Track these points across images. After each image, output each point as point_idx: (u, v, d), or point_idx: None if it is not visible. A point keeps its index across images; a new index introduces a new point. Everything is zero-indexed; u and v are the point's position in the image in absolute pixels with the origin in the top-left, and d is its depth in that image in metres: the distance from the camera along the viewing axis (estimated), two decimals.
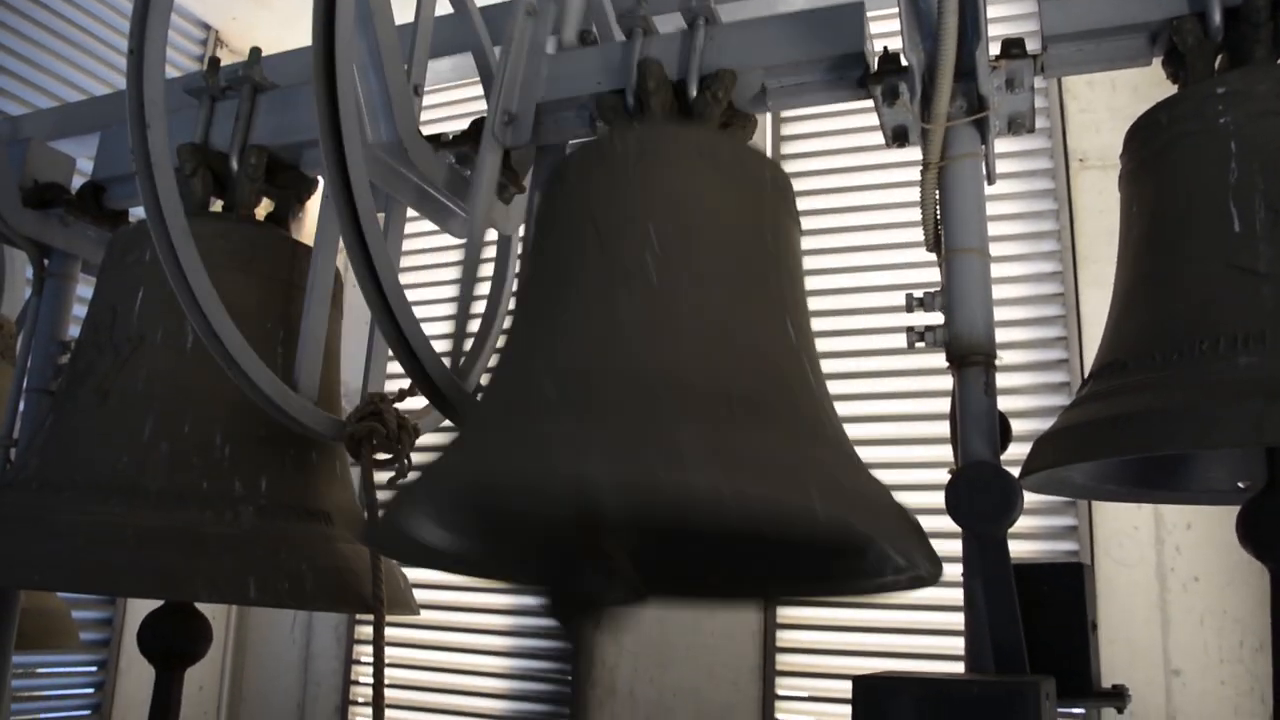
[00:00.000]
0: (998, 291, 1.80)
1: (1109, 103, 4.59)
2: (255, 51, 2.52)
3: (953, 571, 1.61)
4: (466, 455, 1.50)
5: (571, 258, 1.67)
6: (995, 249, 1.80)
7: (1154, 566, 4.09)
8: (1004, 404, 1.73)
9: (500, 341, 2.63)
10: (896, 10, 1.79)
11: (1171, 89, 1.88)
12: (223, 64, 2.56)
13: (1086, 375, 1.79)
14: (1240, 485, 1.95)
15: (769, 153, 4.90)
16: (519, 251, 2.58)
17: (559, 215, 1.77)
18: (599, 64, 2.10)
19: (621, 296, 1.56)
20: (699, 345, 1.52)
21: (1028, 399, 4.45)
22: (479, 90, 2.54)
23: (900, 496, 1.51)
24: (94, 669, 5.02)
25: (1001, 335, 1.76)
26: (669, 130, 1.89)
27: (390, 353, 2.01)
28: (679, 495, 1.33)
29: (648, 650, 4.85)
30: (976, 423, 1.68)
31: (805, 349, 1.67)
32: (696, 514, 1.41)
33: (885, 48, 1.93)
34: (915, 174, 1.86)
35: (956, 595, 1.64)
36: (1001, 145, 1.97)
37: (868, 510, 1.45)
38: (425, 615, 2.33)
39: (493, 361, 2.36)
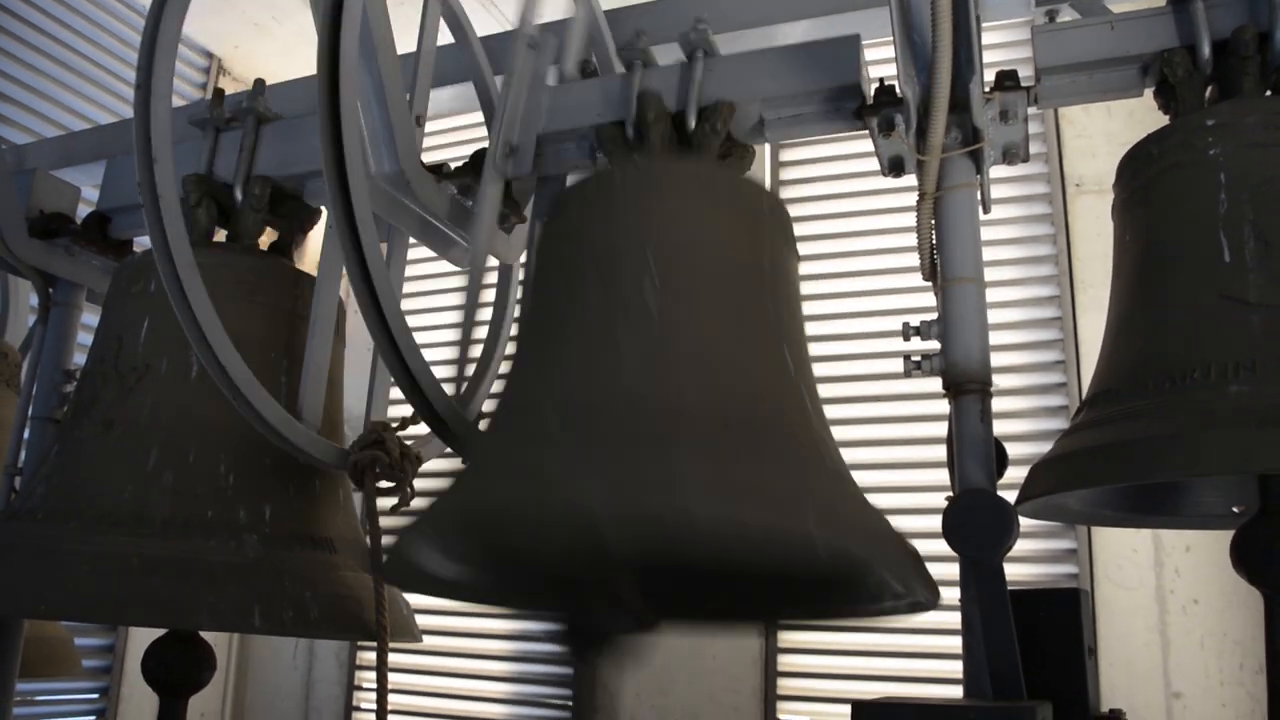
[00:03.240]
0: (996, 316, 1.83)
1: (1105, 128, 4.64)
2: (259, 83, 2.55)
3: (952, 595, 1.63)
4: (470, 489, 1.53)
5: (572, 290, 1.70)
6: (993, 274, 1.83)
7: (1153, 589, 4.10)
8: (1002, 428, 1.75)
9: (502, 369, 2.65)
10: (891, 40, 1.82)
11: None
12: (225, 92, 2.59)
13: (1081, 402, 1.81)
14: (1235, 510, 1.96)
15: (767, 182, 4.95)
16: (520, 280, 2.60)
17: (560, 247, 1.80)
18: (599, 96, 2.13)
19: (622, 328, 1.59)
20: (699, 376, 1.54)
21: (1026, 423, 4.47)
22: (479, 118, 2.57)
23: (898, 520, 1.53)
24: (95, 696, 5.01)
25: (1000, 359, 1.79)
26: (667, 163, 1.92)
27: (392, 380, 2.03)
28: (679, 526, 1.36)
29: (649, 675, 4.85)
30: (973, 450, 1.70)
31: (803, 378, 1.69)
32: (697, 545, 1.43)
33: (881, 79, 1.96)
34: (912, 200, 1.89)
35: (956, 619, 1.66)
36: (998, 171, 1.99)
37: (866, 539, 1.47)
38: (427, 641, 2.34)
39: (497, 388, 2.38)
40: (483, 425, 2.10)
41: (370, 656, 5.53)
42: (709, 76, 2.04)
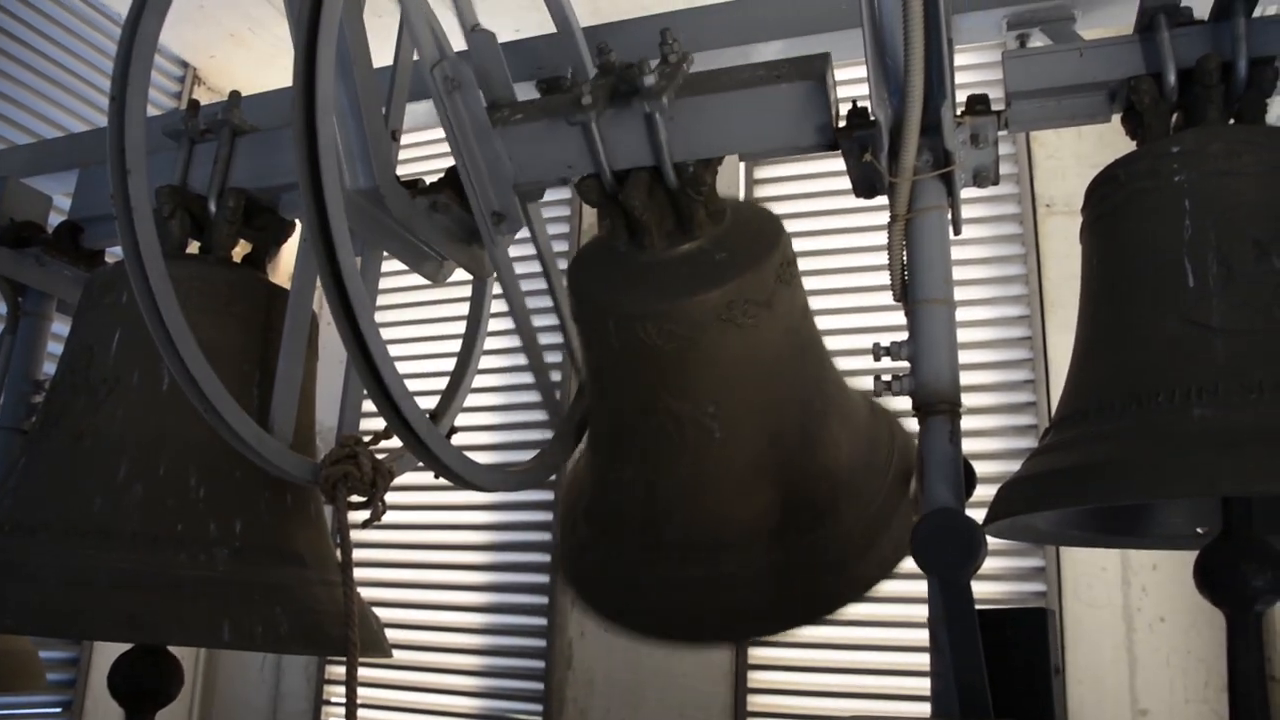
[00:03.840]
0: (966, 335, 1.85)
1: (1075, 150, 4.70)
2: (235, 95, 2.54)
3: (919, 612, 1.65)
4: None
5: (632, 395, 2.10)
6: (964, 293, 1.85)
7: (1121, 608, 4.14)
8: (972, 446, 1.77)
9: (473, 381, 2.65)
10: (864, 61, 1.84)
11: None
12: (201, 103, 2.58)
13: (1049, 424, 1.83)
14: (1199, 531, 1.99)
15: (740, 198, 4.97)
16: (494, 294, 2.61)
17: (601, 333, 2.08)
18: (562, 148, 2.07)
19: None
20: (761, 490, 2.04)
21: (996, 441, 4.51)
22: None
23: None
24: (59, 710, 4.95)
25: (970, 378, 1.81)
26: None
27: (365, 394, 2.02)
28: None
29: (619, 691, 4.85)
30: (941, 470, 1.71)
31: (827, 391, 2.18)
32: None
33: (854, 102, 1.97)
34: (883, 219, 1.91)
35: (923, 636, 1.68)
36: (969, 191, 2.01)
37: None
38: (397, 655, 2.33)
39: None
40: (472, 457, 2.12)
41: (339, 670, 5.50)
42: (675, 133, 1.98)
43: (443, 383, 2.58)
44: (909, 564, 1.69)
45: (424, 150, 5.04)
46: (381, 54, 2.26)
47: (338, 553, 2.13)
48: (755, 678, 4.75)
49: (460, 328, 2.74)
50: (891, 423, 2.33)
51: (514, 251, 2.27)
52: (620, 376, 2.13)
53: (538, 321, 2.42)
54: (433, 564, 5.67)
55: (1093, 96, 1.97)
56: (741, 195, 5.07)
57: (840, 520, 2.08)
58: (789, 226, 2.24)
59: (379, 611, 2.31)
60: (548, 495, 5.36)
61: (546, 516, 5.47)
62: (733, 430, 2.02)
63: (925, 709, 1.67)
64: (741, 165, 4.99)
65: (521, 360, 5.48)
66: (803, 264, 2.24)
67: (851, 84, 2.05)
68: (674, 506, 2.11)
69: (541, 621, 5.33)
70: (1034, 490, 1.67)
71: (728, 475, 2.06)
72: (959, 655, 1.61)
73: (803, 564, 2.04)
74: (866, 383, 1.90)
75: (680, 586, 2.09)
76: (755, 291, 1.98)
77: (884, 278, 1.93)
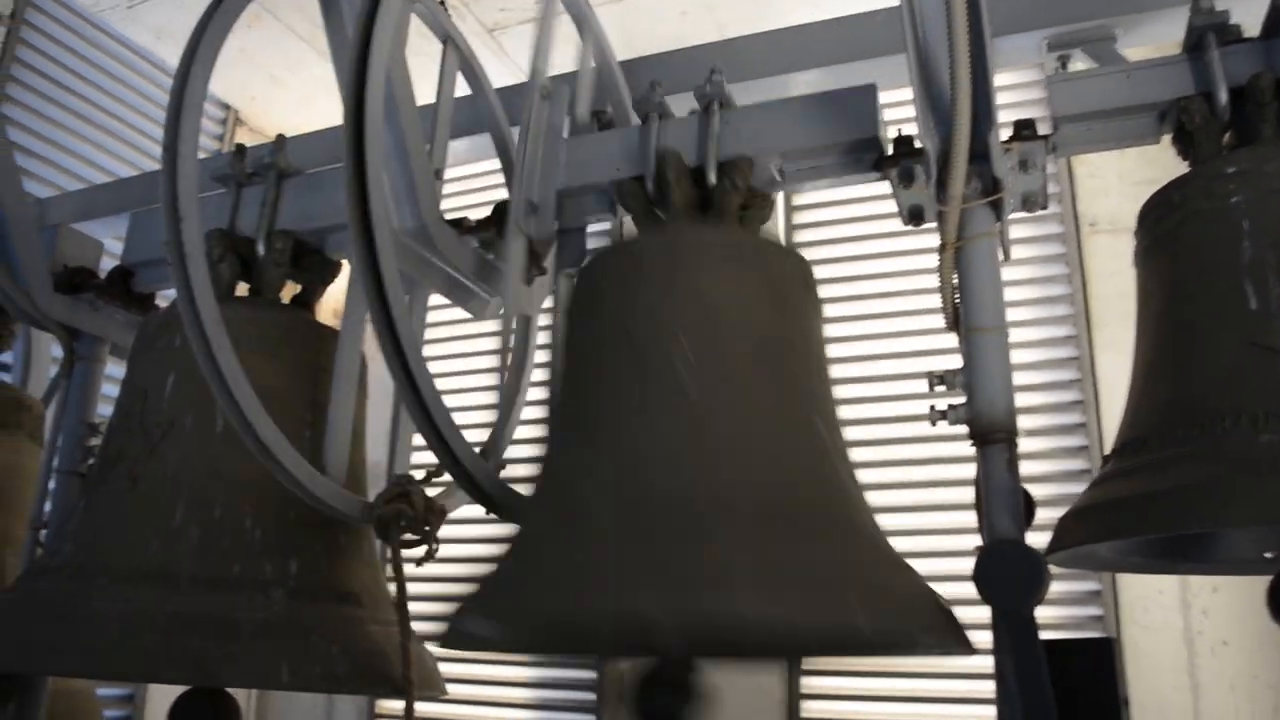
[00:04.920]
0: (1013, 358, 1.82)
1: (1118, 167, 4.66)
2: (281, 138, 2.58)
3: (979, 638, 1.63)
4: (522, 581, 1.61)
5: (605, 368, 1.76)
6: (1009, 315, 1.82)
7: (1181, 631, 4.06)
8: (1023, 469, 1.74)
9: (523, 414, 2.66)
10: (909, 87, 1.83)
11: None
12: (242, 143, 2.62)
13: (1109, 451, 1.80)
14: (1266, 555, 1.95)
15: (782, 230, 4.97)
16: (540, 328, 2.62)
17: (592, 322, 1.85)
18: (617, 150, 2.15)
19: (660, 412, 1.65)
20: (739, 460, 1.62)
21: (1047, 464, 4.45)
22: (493, 164, 2.60)
23: (929, 564, 1.56)
24: None
25: (1018, 401, 1.78)
26: (692, 232, 1.94)
27: (415, 430, 2.04)
28: (732, 630, 1.43)
29: None
30: (1001, 500, 1.69)
31: (835, 445, 1.74)
32: (750, 643, 1.54)
33: (900, 130, 1.97)
34: (931, 241, 1.90)
35: (983, 662, 1.65)
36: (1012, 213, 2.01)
37: (905, 615, 1.56)
38: (450, 690, 2.33)
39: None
40: (523, 491, 2.10)
41: (390, 705, 5.50)
42: (726, 130, 2.05)
43: (476, 414, 2.60)
44: (970, 591, 1.66)
45: (462, 185, 5.07)
46: (419, 91, 2.29)
47: (391, 589, 2.13)
48: (809, 707, 4.70)
49: (488, 361, 2.76)
50: None
51: None
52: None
53: None
54: None
55: (1141, 118, 1.95)
56: (782, 225, 5.06)
57: None
58: (827, 255, 2.25)
59: (428, 646, 2.31)
60: None
61: None
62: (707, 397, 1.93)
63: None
64: (782, 195, 4.99)
65: None
66: (847, 288, 2.25)
67: (888, 107, 2.06)
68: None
69: None
70: (1099, 520, 1.64)
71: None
72: (1025, 689, 1.58)
73: None
74: (919, 406, 1.88)
75: None
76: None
77: (926, 301, 1.92)
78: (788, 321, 1.78)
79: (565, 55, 2.40)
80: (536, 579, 1.58)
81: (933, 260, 1.87)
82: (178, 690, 2.13)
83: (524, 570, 1.65)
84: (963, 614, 1.63)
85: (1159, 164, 1.89)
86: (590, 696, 5.22)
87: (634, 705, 1.55)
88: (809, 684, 4.68)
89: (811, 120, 2.04)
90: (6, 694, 2.48)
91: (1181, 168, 1.90)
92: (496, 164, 2.60)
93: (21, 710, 2.50)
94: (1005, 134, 1.89)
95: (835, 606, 1.46)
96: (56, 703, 2.71)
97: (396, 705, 2.00)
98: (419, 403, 1.93)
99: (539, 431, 1.90)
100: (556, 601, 1.51)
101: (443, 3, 2.44)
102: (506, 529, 1.90)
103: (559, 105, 2.22)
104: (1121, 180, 4.61)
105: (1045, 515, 1.77)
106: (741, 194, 1.99)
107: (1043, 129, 1.95)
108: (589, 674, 5.29)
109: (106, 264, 2.95)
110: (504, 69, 5.44)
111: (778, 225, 4.92)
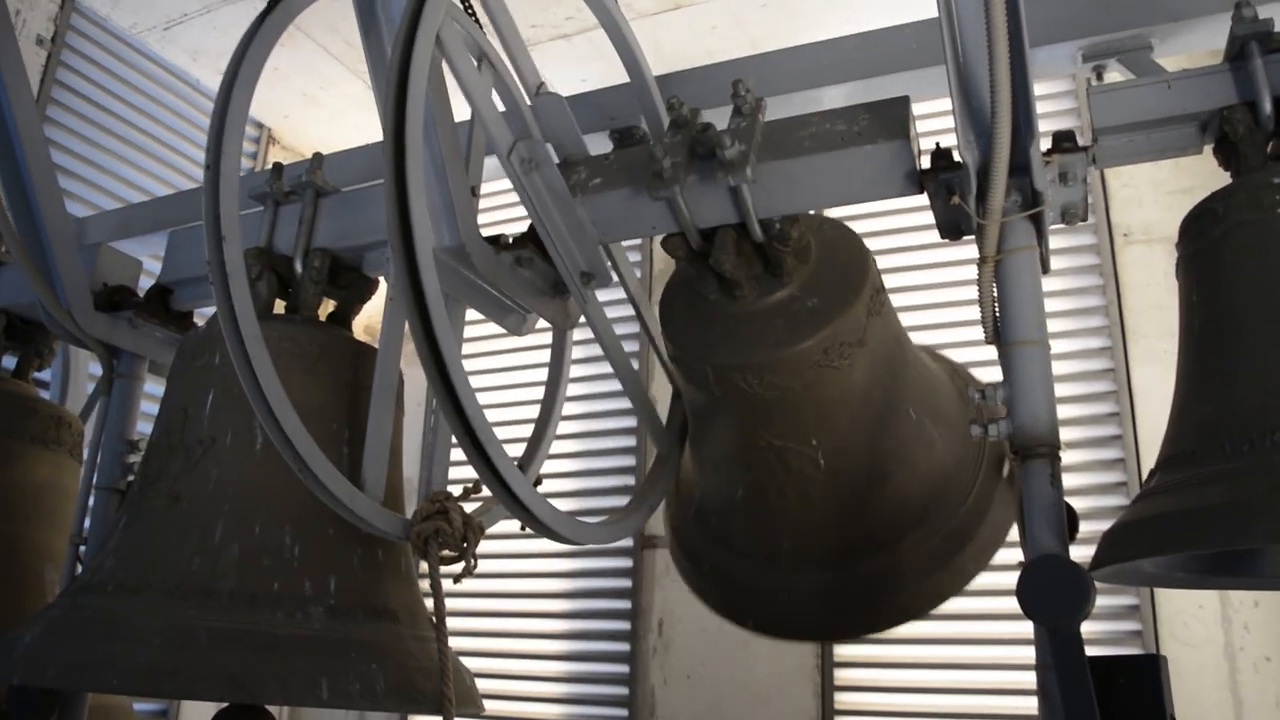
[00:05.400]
0: None
1: (1151, 177, 4.61)
2: (318, 157, 2.60)
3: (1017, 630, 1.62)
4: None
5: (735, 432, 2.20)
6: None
7: (1222, 646, 4.00)
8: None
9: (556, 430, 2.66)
10: (948, 96, 1.82)
11: (1211, 161, 1.91)
12: (276, 161, 2.64)
13: (1153, 464, 1.78)
14: None
15: None
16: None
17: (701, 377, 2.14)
18: (645, 212, 2.12)
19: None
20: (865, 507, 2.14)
21: (1083, 476, 4.40)
22: None
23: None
24: None
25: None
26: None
27: (454, 443, 2.03)
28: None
29: (703, 694, 4.83)
30: (1044, 515, 1.67)
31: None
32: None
33: (938, 144, 1.96)
34: (967, 253, 1.88)
35: (1013, 629, 1.63)
36: None
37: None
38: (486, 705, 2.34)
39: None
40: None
41: None
42: (759, 196, 2.01)
43: (512, 430, 2.60)
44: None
45: (499, 200, 5.09)
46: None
47: (429, 604, 2.13)
48: (841, 675, 4.70)
49: (523, 376, 2.76)
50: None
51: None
52: (723, 415, 2.23)
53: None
54: (513, 613, 5.68)
55: (1183, 129, 1.93)
56: None
57: (938, 519, 2.20)
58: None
59: (463, 661, 2.30)
60: (627, 543, 5.36)
61: (626, 563, 5.45)
62: (835, 459, 2.13)
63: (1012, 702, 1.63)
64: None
65: (597, 407, 5.53)
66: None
67: (921, 119, 2.05)
68: (785, 524, 2.25)
69: (624, 669, 5.30)
70: (1146, 535, 1.61)
71: (832, 496, 2.17)
72: (1071, 705, 1.56)
73: (903, 567, 2.18)
74: None
75: (794, 590, 2.27)
76: (849, 333, 2.03)
77: (964, 313, 1.91)
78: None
79: (594, 70, 2.39)
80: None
81: (968, 272, 1.85)
82: (212, 703, 2.15)
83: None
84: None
85: (1193, 173, 1.88)
86: (623, 713, 5.21)
87: None
88: (841, 653, 4.68)
89: (845, 175, 2.02)
90: (48, 709, 2.50)
91: (1216, 175, 1.88)
92: None
93: None
94: (1044, 145, 1.87)
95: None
96: (94, 716, 2.73)
97: None
98: (462, 420, 1.93)
99: (569, 446, 1.95)
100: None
101: (478, 21, 2.45)
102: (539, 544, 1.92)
103: (548, 167, 2.16)
104: (1155, 189, 4.56)
105: (1083, 529, 1.75)
106: (793, 246, 2.08)
107: (1083, 141, 1.94)
108: (621, 690, 5.28)
109: (144, 283, 2.98)
110: None
111: None
